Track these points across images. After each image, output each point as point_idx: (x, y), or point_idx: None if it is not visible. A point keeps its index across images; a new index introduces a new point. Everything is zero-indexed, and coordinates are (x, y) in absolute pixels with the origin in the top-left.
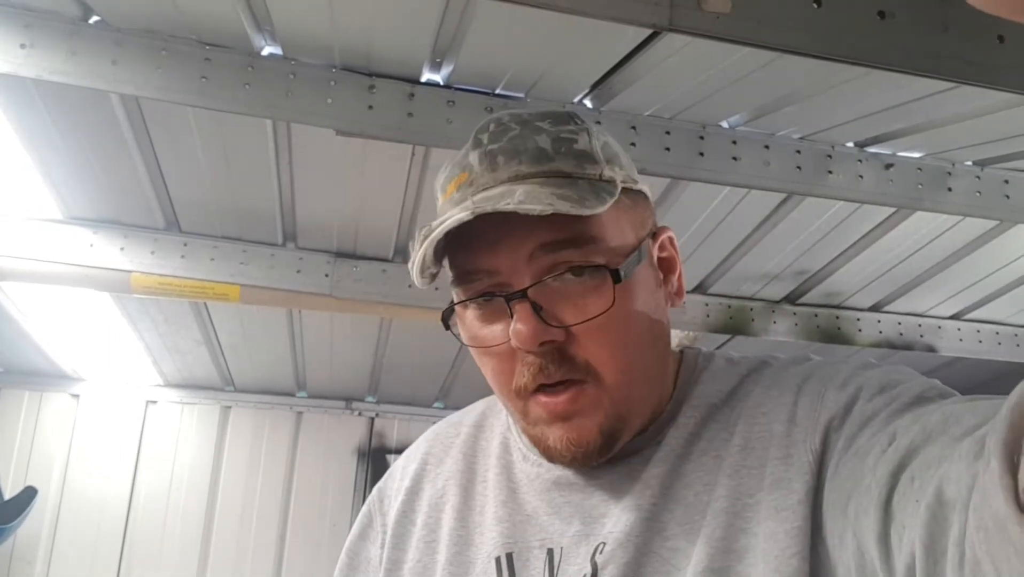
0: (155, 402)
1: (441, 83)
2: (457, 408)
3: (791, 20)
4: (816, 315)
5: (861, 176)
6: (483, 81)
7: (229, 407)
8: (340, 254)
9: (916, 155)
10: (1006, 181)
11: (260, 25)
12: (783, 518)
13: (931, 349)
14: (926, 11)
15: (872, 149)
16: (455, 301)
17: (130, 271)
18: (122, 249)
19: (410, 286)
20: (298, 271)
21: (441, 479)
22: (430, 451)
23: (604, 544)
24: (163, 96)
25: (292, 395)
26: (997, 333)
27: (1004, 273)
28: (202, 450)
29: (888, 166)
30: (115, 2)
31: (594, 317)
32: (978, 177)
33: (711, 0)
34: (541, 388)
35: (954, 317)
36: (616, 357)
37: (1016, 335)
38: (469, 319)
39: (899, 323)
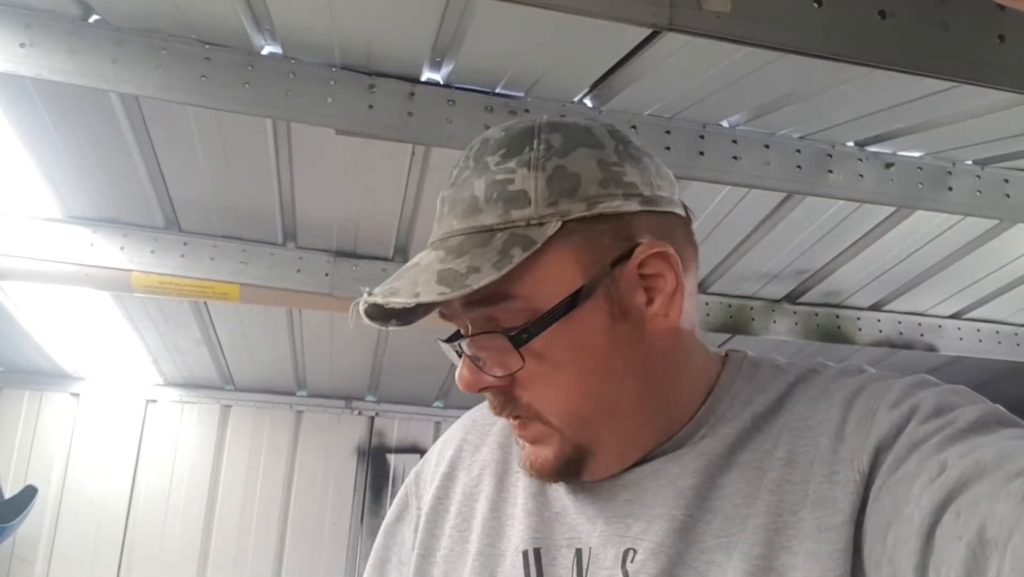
0: (155, 401)
1: (441, 82)
2: (457, 407)
3: (791, 19)
4: (816, 314)
5: (861, 175)
6: (483, 80)
7: (229, 406)
8: (340, 253)
9: (916, 154)
10: (1006, 180)
11: (260, 24)
12: (826, 539)
13: (931, 348)
14: (926, 10)
15: (872, 148)
16: (448, 337)
17: (130, 270)
18: (122, 248)
19: None
20: (298, 270)
21: (476, 467)
22: (466, 437)
23: (634, 551)
24: (163, 95)
25: (292, 394)
26: (997, 332)
27: (1004, 272)
28: (202, 449)
29: (888, 165)
30: (115, 1)
31: (509, 375)
32: (978, 176)
33: (711, 0)
34: None
35: (954, 316)
36: (555, 401)
37: (1016, 334)
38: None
39: (899, 322)
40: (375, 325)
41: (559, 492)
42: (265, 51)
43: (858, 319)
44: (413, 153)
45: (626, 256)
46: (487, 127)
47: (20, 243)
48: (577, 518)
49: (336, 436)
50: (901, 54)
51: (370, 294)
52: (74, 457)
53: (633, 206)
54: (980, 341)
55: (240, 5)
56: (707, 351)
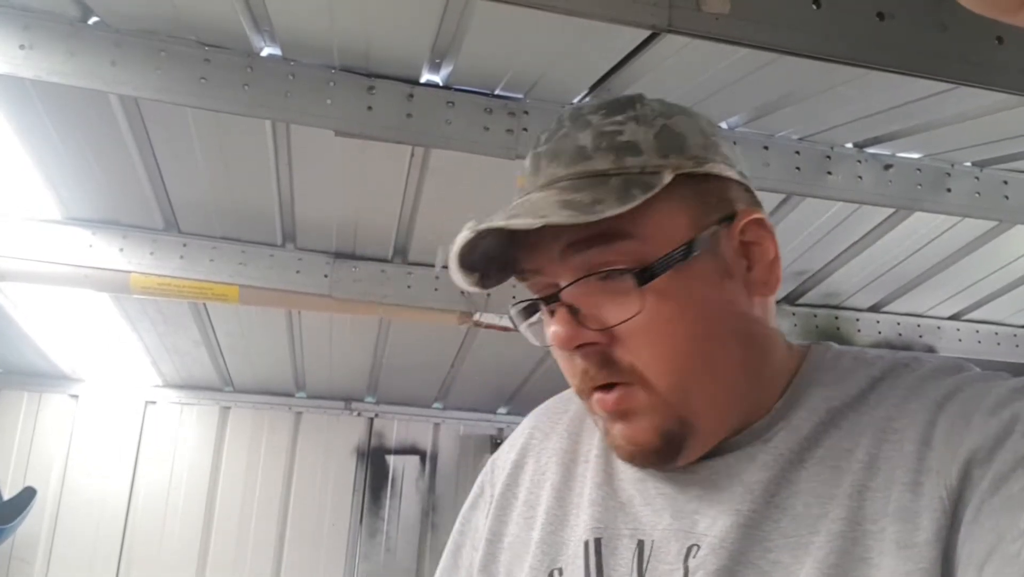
0: (154, 402)
1: (440, 84)
2: (457, 408)
3: (790, 21)
4: (815, 315)
5: (860, 177)
6: (482, 82)
7: (228, 407)
8: (339, 255)
9: (915, 156)
10: (1005, 182)
11: (259, 26)
12: (908, 557)
13: (930, 349)
14: (925, 12)
15: (871, 150)
16: (518, 302)
17: (129, 272)
18: (121, 250)
19: (409, 287)
20: (297, 271)
21: (545, 455)
22: (537, 425)
23: (697, 547)
24: (162, 97)
25: (291, 395)
26: (996, 333)
27: (1003, 273)
28: (201, 450)
29: (887, 167)
30: (114, 3)
31: (624, 322)
32: (977, 178)
33: (710, 1)
34: (595, 387)
35: (953, 317)
36: (661, 360)
37: (1015, 335)
38: (545, 317)
39: (898, 323)
40: (458, 276)
41: (626, 482)
42: (264, 53)
43: (857, 320)
44: (412, 154)
45: (729, 218)
46: (486, 129)
47: (19, 244)
48: (643, 509)
49: (335, 437)
50: (899, 56)
51: (481, 223)
52: (73, 458)
53: (732, 174)
54: (979, 342)
55: (239, 7)
56: (787, 341)
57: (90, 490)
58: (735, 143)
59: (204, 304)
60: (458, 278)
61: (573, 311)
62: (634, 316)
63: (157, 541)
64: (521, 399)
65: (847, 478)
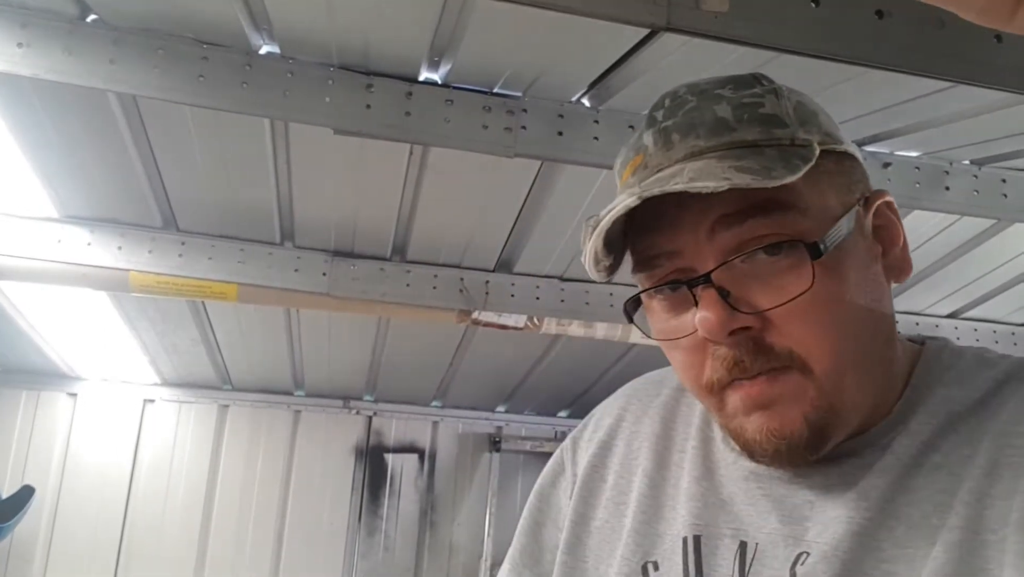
0: (152, 401)
1: (439, 82)
2: (455, 407)
3: (789, 19)
4: None
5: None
6: (481, 80)
7: (227, 406)
8: (338, 253)
9: (914, 154)
10: (1003, 180)
11: (258, 24)
12: None
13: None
14: (923, 10)
15: (870, 148)
16: (640, 291)
17: (128, 270)
18: (120, 248)
19: (408, 285)
20: (296, 270)
21: (637, 439)
22: (627, 407)
23: (807, 554)
24: (160, 95)
25: (290, 394)
26: (995, 332)
27: (1001, 272)
28: (200, 449)
29: (886, 165)
30: (112, 1)
31: (791, 300)
32: (975, 176)
33: (709, 0)
34: (737, 379)
35: (951, 316)
36: (824, 342)
37: (1013, 333)
38: (656, 309)
39: (896, 322)
40: (599, 263)
41: (727, 479)
42: (263, 51)
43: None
44: (411, 153)
45: (866, 200)
46: (485, 127)
47: (17, 243)
48: (747, 509)
49: (334, 436)
50: (898, 54)
51: (642, 189)
52: (71, 457)
53: (858, 158)
54: (977, 340)
55: (238, 5)
56: (902, 338)
57: (88, 488)
58: None
59: (203, 302)
60: (593, 259)
61: (723, 293)
62: (803, 293)
63: (156, 539)
64: (520, 397)
65: (966, 485)
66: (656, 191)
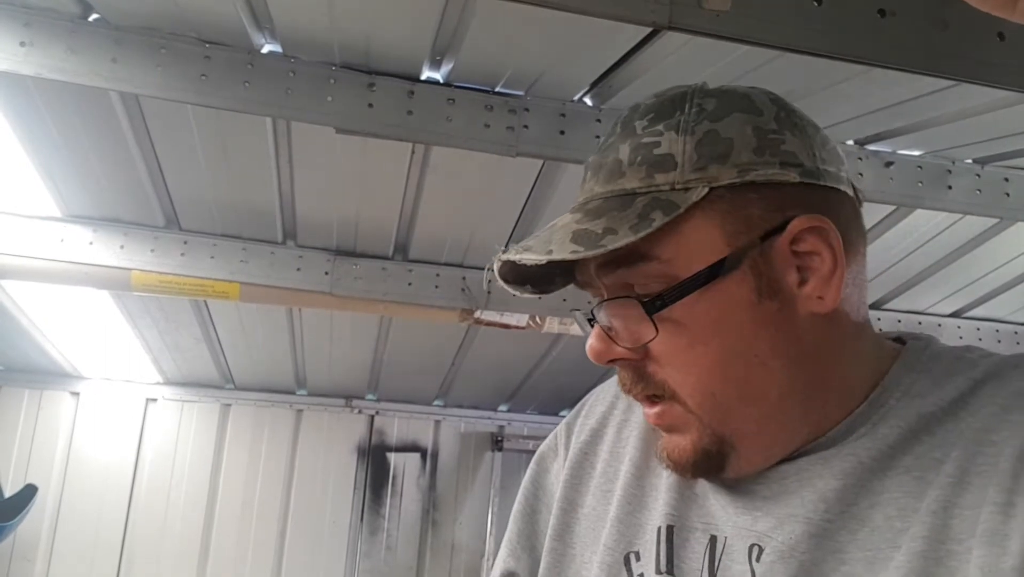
0: (155, 400)
1: (441, 81)
2: (458, 406)
3: (791, 18)
4: None
5: (861, 174)
6: (483, 79)
7: (229, 405)
8: (340, 252)
9: (916, 153)
10: (1006, 179)
11: (260, 23)
12: None
13: None
14: (926, 9)
15: (872, 147)
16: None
17: (130, 269)
18: (122, 247)
19: (410, 284)
20: (298, 269)
21: (627, 427)
22: (620, 394)
23: (759, 548)
24: (163, 94)
25: (292, 393)
26: (997, 331)
27: (1004, 271)
28: (202, 448)
29: (888, 164)
30: (115, 0)
31: (641, 345)
32: (978, 175)
33: None
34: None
35: (954, 315)
36: (688, 381)
37: (1016, 333)
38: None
39: (899, 321)
40: (509, 289)
41: None
42: (265, 50)
43: (878, 319)
44: (413, 152)
45: (778, 229)
46: (487, 126)
47: (20, 242)
48: (714, 503)
49: (336, 435)
50: (900, 52)
51: (504, 252)
52: (74, 456)
53: (791, 176)
54: (980, 340)
55: (240, 4)
56: (881, 344)
57: (91, 487)
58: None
59: (205, 301)
60: (514, 291)
61: (607, 328)
62: (650, 341)
63: (158, 538)
64: (522, 396)
65: (933, 492)
66: (496, 263)
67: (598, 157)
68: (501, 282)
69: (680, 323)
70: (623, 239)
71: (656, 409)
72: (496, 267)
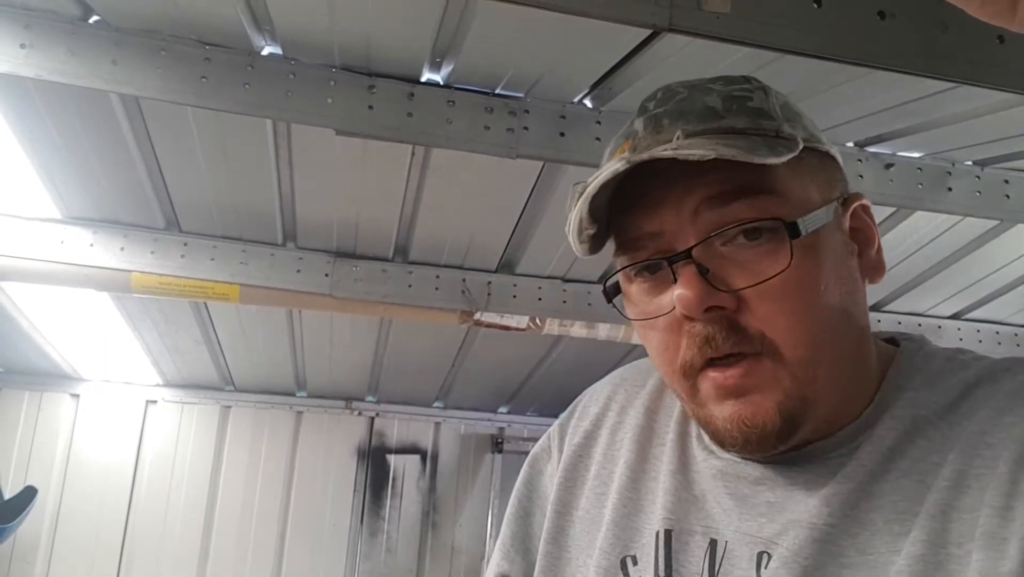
0: (155, 402)
1: (441, 83)
2: (458, 408)
3: (791, 20)
4: None
5: (861, 176)
6: (483, 81)
7: (229, 407)
8: (340, 254)
9: (916, 155)
10: (1006, 181)
11: (260, 25)
12: None
13: None
14: (926, 11)
15: (872, 149)
16: (620, 268)
17: (130, 271)
18: (122, 249)
19: (410, 286)
20: (298, 271)
21: (621, 430)
22: (614, 396)
23: (768, 556)
24: (163, 96)
25: (292, 395)
26: (997, 333)
27: (1004, 273)
28: (202, 450)
29: (888, 166)
30: (115, 2)
31: (768, 279)
32: (978, 177)
33: (711, 0)
34: (710, 363)
35: (954, 317)
36: (797, 327)
37: (1016, 335)
38: (634, 292)
39: (899, 323)
40: (583, 231)
41: (700, 475)
42: (265, 52)
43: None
44: (413, 154)
45: (845, 200)
46: (487, 128)
47: (20, 244)
48: (715, 506)
49: (336, 437)
50: (900, 54)
51: (632, 153)
52: (74, 457)
53: (834, 153)
54: (980, 342)
55: (240, 6)
56: (877, 343)
57: (91, 489)
58: None
59: (205, 303)
60: (577, 227)
61: (702, 271)
62: (780, 273)
63: (158, 540)
64: (522, 398)
65: (932, 496)
66: (645, 156)
67: (671, 107)
68: (584, 205)
69: (808, 256)
70: (774, 158)
71: (739, 368)
72: (613, 172)
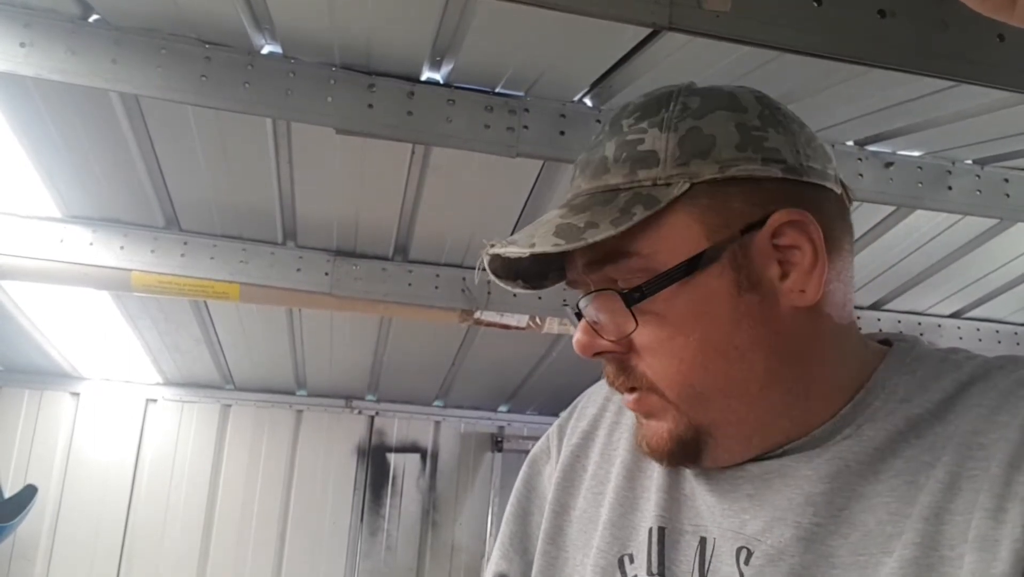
0: (155, 400)
1: (441, 82)
2: (457, 407)
3: (791, 19)
4: None
5: (861, 175)
6: (483, 80)
7: (229, 405)
8: (340, 253)
9: (916, 153)
10: (1006, 180)
11: (260, 24)
12: None
13: None
14: (926, 9)
15: (872, 147)
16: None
17: (130, 270)
18: (122, 248)
19: (410, 285)
20: (298, 269)
21: (618, 429)
22: (611, 397)
23: (748, 551)
24: (163, 95)
25: (292, 393)
26: (997, 331)
27: (1004, 271)
28: (202, 448)
29: (888, 164)
30: (115, 1)
31: (622, 337)
32: (978, 176)
33: None
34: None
35: (954, 316)
36: (667, 372)
37: (1016, 333)
38: None
39: (899, 321)
40: (500, 284)
41: (688, 473)
42: (265, 51)
43: (858, 318)
44: (413, 152)
45: (758, 224)
46: (487, 126)
47: (20, 242)
48: (702, 505)
49: (336, 435)
50: (900, 53)
51: (492, 246)
52: (74, 456)
53: (773, 172)
54: (980, 340)
55: (240, 5)
56: (866, 345)
57: (91, 488)
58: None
59: (205, 302)
60: (506, 286)
61: (592, 322)
62: (630, 333)
63: (158, 539)
64: (522, 397)
65: (925, 498)
66: (486, 255)
67: (586, 155)
68: (492, 277)
69: (660, 315)
70: (603, 233)
71: (633, 397)
72: (486, 261)
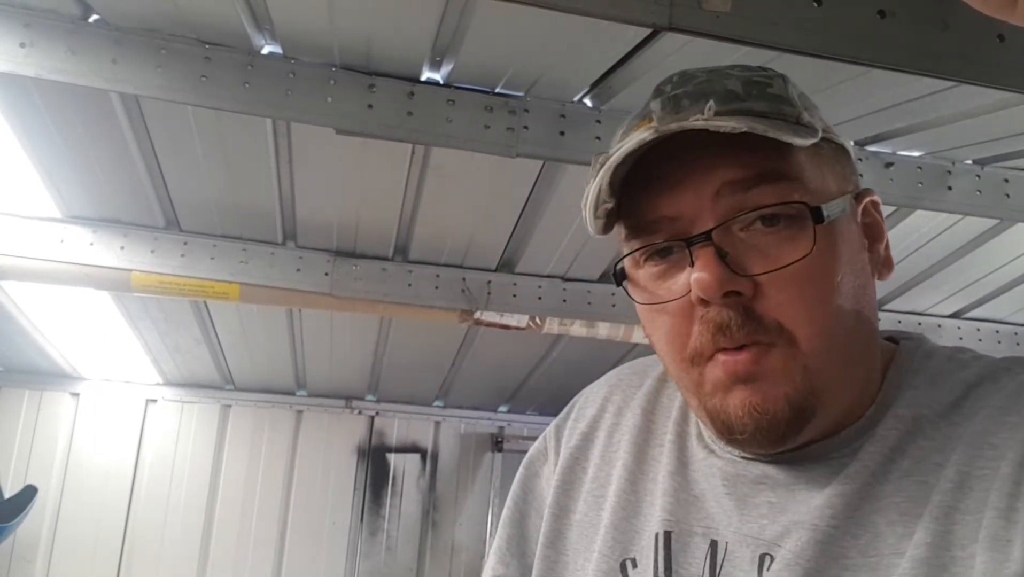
0: (155, 401)
1: (441, 82)
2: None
3: (791, 19)
4: None
5: (861, 175)
6: (483, 80)
7: (229, 406)
8: (340, 253)
9: (916, 154)
10: (1006, 180)
11: (260, 24)
12: None
13: None
14: (926, 10)
15: (872, 148)
16: (631, 251)
17: (130, 270)
18: (122, 248)
19: (410, 285)
20: (298, 270)
21: (618, 431)
22: (610, 397)
23: (771, 558)
24: (163, 95)
25: (292, 394)
26: (997, 332)
27: (1004, 272)
28: (202, 449)
29: (888, 165)
30: (115, 1)
31: (789, 264)
32: (978, 176)
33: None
34: (721, 350)
35: (954, 316)
36: (813, 317)
37: (1016, 333)
38: (642, 277)
39: (899, 321)
40: (600, 205)
41: (699, 474)
42: (265, 51)
43: None
44: (413, 152)
45: (855, 193)
46: (487, 127)
47: (20, 243)
48: (715, 506)
49: (336, 436)
50: (900, 53)
51: (657, 122)
52: (74, 456)
53: (848, 145)
54: (980, 340)
55: (240, 5)
56: (879, 341)
57: (91, 488)
58: None
59: (205, 302)
60: (595, 199)
61: (721, 254)
62: (800, 259)
63: (158, 539)
64: (522, 397)
65: (935, 497)
66: (674, 127)
67: (692, 88)
68: (605, 177)
69: (828, 243)
70: (800, 140)
71: (749, 353)
72: (640, 141)
